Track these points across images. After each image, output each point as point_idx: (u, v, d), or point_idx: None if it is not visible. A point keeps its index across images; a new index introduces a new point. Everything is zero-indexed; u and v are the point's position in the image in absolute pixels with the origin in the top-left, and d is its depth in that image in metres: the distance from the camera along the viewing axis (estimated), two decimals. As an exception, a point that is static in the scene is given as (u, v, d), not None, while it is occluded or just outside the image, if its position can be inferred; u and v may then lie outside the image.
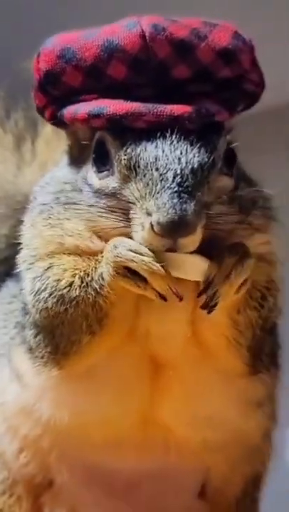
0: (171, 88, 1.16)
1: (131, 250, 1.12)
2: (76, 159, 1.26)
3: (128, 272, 1.13)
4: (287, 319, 1.33)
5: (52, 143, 1.68)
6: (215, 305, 1.14)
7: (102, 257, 1.17)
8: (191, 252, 1.13)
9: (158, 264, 1.10)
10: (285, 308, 1.30)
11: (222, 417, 1.28)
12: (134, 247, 1.12)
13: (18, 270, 1.30)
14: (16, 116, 1.73)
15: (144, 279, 1.12)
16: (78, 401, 1.26)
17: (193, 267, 1.14)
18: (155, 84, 1.16)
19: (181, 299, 1.13)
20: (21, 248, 1.29)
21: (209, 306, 1.14)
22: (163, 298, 1.12)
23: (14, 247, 1.58)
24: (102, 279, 1.16)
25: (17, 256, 1.50)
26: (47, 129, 1.70)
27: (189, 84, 1.17)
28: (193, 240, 1.10)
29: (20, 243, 1.30)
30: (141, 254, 1.11)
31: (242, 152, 1.23)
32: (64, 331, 1.22)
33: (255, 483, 1.43)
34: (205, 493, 1.38)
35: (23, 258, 1.28)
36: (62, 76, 1.19)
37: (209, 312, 1.14)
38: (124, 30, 1.16)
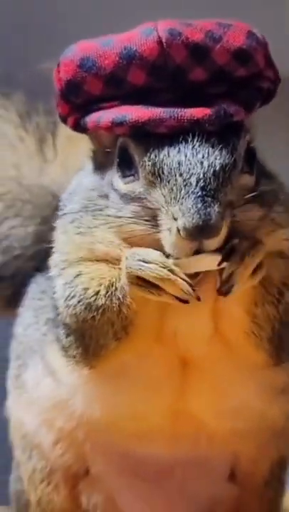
0: (189, 91, 1.19)
1: (139, 260, 1.16)
2: (101, 164, 1.30)
3: (141, 281, 1.17)
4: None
5: (73, 138, 1.70)
6: (231, 287, 1.17)
7: None
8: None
9: (165, 270, 1.14)
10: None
11: (248, 406, 1.32)
12: (142, 256, 1.16)
13: (49, 272, 1.35)
14: (38, 119, 1.77)
15: (157, 286, 1.16)
16: (109, 398, 1.31)
17: (208, 261, 1.17)
18: (173, 89, 1.19)
19: (198, 299, 1.16)
20: (53, 252, 1.33)
21: (225, 289, 1.17)
22: (181, 301, 1.16)
23: (41, 243, 1.64)
24: (124, 289, 1.21)
25: (45, 253, 1.56)
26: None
27: (206, 87, 1.20)
28: (218, 241, 1.14)
29: (50, 245, 1.35)
30: (149, 262, 1.15)
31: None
32: (93, 334, 1.27)
33: (281, 464, 1.47)
34: (234, 477, 1.43)
35: (54, 262, 1.32)
36: (83, 85, 1.22)
37: (226, 295, 1.17)
38: (141, 36, 1.19)
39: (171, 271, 1.15)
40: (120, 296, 1.22)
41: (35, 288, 1.56)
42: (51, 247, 1.36)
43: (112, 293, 1.22)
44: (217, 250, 1.15)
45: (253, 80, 1.22)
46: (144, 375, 1.28)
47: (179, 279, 1.15)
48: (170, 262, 1.15)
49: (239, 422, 1.33)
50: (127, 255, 1.19)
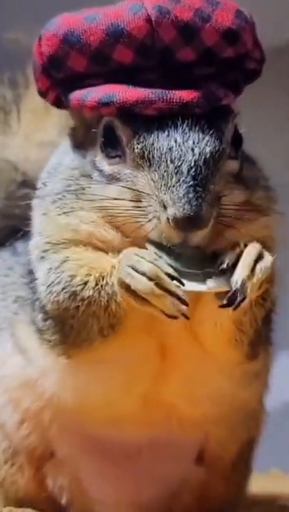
0: (176, 71, 1.17)
1: (131, 267, 1.12)
2: (81, 142, 1.26)
3: (130, 289, 1.13)
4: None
5: (38, 111, 1.66)
6: (242, 300, 1.13)
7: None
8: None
9: (151, 285, 1.10)
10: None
11: (221, 392, 1.31)
12: (134, 263, 1.12)
13: (17, 249, 1.29)
14: (3, 90, 1.71)
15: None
16: (84, 384, 1.28)
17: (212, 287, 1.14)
18: (160, 68, 1.17)
19: (187, 318, 1.13)
20: (32, 234, 1.29)
21: (237, 302, 1.13)
22: (169, 316, 1.12)
23: (6, 219, 1.60)
24: (114, 286, 1.17)
25: (10, 229, 1.52)
26: (33, 99, 1.69)
27: (194, 67, 1.18)
28: (204, 234, 1.12)
29: (15, 221, 1.31)
30: (140, 272, 1.12)
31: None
32: (74, 325, 1.23)
33: (250, 446, 1.47)
34: (202, 459, 1.41)
35: (35, 245, 1.28)
36: (66, 60, 1.19)
37: (235, 309, 1.14)
38: (128, 13, 1.16)
39: (161, 286, 1.11)
40: (110, 292, 1.18)
41: (0, 264, 1.51)
42: (17, 224, 1.32)
43: (101, 286, 1.18)
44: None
45: (240, 61, 1.21)
46: (122, 365, 1.25)
47: (167, 296, 1.11)
48: (162, 275, 1.11)
49: (212, 407, 1.32)
50: (121, 258, 1.15)
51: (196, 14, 1.16)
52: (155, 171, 1.13)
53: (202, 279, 1.13)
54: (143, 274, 1.12)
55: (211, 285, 1.13)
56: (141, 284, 1.12)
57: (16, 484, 1.40)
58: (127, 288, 1.14)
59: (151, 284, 1.11)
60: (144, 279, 1.12)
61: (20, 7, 1.68)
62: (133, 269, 1.13)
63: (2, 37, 1.64)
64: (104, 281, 1.18)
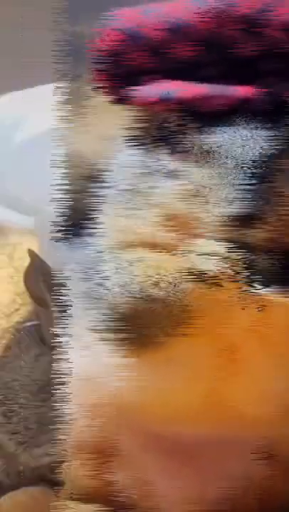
0: (237, 67, 1.16)
1: (202, 254, 1.12)
2: (142, 140, 1.25)
3: (202, 277, 1.13)
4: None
5: (100, 106, 1.67)
6: None
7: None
8: None
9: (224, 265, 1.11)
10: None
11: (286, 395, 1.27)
12: (204, 249, 1.12)
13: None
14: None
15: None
16: (148, 383, 1.25)
17: None
18: (221, 64, 1.16)
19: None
20: (94, 234, 1.28)
21: None
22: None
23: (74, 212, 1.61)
24: (186, 285, 1.16)
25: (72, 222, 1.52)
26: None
27: (256, 63, 1.16)
28: (265, 232, 1.10)
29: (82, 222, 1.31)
30: (212, 255, 1.12)
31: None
32: (143, 325, 1.21)
33: None
34: (271, 456, 1.38)
35: (100, 247, 1.26)
36: (125, 56, 1.20)
37: None
38: (191, 8, 1.16)
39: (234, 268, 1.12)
40: (183, 290, 1.17)
41: None
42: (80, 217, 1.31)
43: (174, 285, 1.17)
44: None
45: None
46: (188, 363, 1.23)
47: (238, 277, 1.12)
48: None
49: (278, 406, 1.28)
50: (188, 250, 1.15)
51: (260, 9, 1.15)
52: (215, 166, 1.13)
53: None
54: (211, 256, 1.12)
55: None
56: (209, 264, 1.12)
57: (80, 479, 1.40)
58: (195, 275, 1.14)
59: (221, 264, 1.12)
60: (212, 259, 1.12)
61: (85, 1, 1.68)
62: (207, 254, 1.13)
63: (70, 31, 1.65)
64: (177, 280, 1.17)
